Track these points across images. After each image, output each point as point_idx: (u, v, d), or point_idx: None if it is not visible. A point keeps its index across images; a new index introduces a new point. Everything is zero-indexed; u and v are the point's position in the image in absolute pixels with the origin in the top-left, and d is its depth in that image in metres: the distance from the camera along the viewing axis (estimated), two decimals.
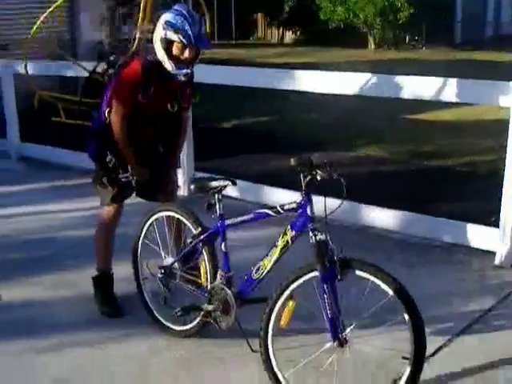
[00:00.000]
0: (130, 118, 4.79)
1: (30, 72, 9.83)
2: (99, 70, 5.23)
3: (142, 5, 9.94)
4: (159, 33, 4.61)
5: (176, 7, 4.66)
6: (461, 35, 30.39)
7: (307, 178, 3.71)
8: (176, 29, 4.52)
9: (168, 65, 4.64)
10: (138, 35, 9.71)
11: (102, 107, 4.96)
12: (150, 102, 4.76)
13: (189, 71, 4.68)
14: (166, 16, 4.59)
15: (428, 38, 29.12)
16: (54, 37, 13.31)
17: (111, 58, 5.08)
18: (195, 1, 14.47)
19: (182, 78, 4.70)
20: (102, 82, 5.06)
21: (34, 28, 10.15)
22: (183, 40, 4.52)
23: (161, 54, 4.65)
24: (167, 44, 4.59)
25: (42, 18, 10.23)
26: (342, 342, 3.71)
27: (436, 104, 7.54)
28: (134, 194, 5.12)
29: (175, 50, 4.60)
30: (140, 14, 10.18)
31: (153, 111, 4.86)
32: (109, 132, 4.84)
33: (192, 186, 4.46)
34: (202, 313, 4.46)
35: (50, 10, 10.22)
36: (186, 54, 4.60)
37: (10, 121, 10.14)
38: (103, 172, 4.97)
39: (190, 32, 4.50)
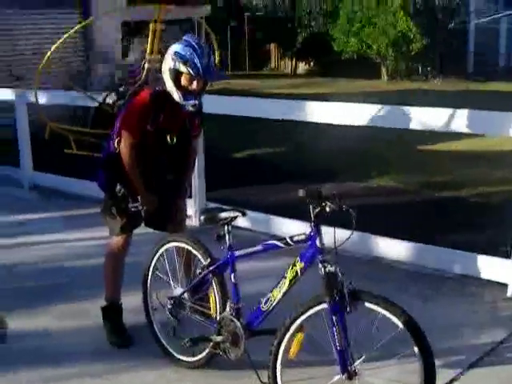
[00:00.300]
0: (139, 148, 4.80)
1: (41, 101, 9.92)
2: (109, 101, 5.25)
3: (150, 36, 10.03)
4: (168, 63, 4.64)
5: (185, 38, 4.69)
6: (473, 66, 30.40)
7: (316, 210, 3.70)
8: (185, 60, 4.55)
9: (176, 95, 4.66)
10: (146, 65, 9.81)
11: (111, 137, 4.98)
12: (158, 131, 4.77)
13: (197, 102, 4.71)
14: (175, 47, 4.62)
15: (441, 69, 29.17)
16: (64, 70, 13.48)
17: (120, 89, 5.11)
18: (204, 31, 14.63)
19: (190, 109, 4.72)
20: (112, 112, 5.09)
21: (45, 58, 10.26)
22: (191, 72, 4.55)
23: (169, 85, 4.67)
24: (176, 75, 4.62)
25: (52, 49, 10.33)
26: (352, 375, 3.68)
27: (448, 134, 7.53)
28: (142, 224, 5.12)
29: (184, 81, 4.62)
30: (148, 45, 10.30)
31: (161, 140, 4.87)
32: (118, 162, 4.85)
33: (202, 217, 4.48)
34: (211, 344, 4.44)
35: (61, 40, 10.33)
36: (194, 85, 4.62)
37: (23, 149, 10.18)
38: (112, 202, 4.97)
39: (198, 64, 4.53)
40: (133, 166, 4.81)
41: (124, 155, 4.80)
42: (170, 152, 4.95)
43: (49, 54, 10.30)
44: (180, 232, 5.18)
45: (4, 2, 14.69)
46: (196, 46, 4.59)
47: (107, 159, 5.01)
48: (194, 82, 4.62)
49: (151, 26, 9.92)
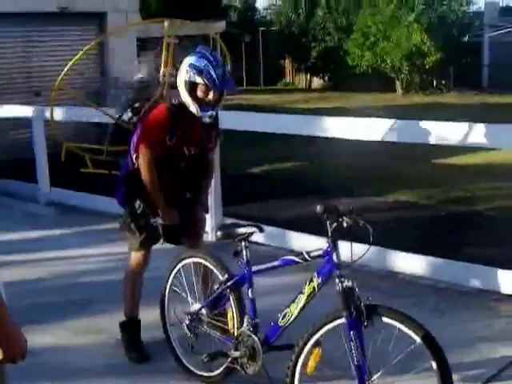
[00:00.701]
0: (157, 162, 4.83)
1: (58, 118, 9.99)
2: (125, 117, 5.28)
3: (163, 50, 10.08)
4: (183, 76, 4.67)
5: (199, 50, 4.72)
6: (488, 79, 30.38)
7: (333, 225, 3.71)
8: (200, 71, 4.59)
9: (193, 107, 4.69)
10: (161, 80, 9.85)
11: (129, 154, 5.01)
12: (176, 144, 4.80)
13: (213, 113, 4.74)
14: (190, 59, 4.66)
15: (455, 82, 29.17)
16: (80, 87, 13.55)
17: (136, 105, 5.13)
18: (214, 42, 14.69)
19: (207, 120, 4.75)
20: (128, 129, 5.11)
21: (61, 75, 10.34)
22: (207, 82, 4.58)
23: (185, 97, 4.70)
24: (191, 87, 4.65)
25: (67, 67, 10.43)
26: None
27: (464, 148, 7.53)
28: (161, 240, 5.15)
29: (199, 93, 4.65)
30: (162, 59, 10.36)
31: (179, 153, 4.89)
32: (137, 178, 4.88)
33: (219, 233, 4.48)
34: (229, 359, 4.44)
35: (76, 58, 10.42)
36: (210, 96, 4.66)
37: (40, 166, 10.24)
38: (132, 218, 4.99)
39: (213, 75, 4.56)
40: (152, 181, 4.84)
41: (143, 170, 4.83)
42: (187, 165, 4.97)
43: (65, 70, 10.41)
44: (197, 246, 5.21)
45: (24, 19, 14.80)
46: (210, 57, 4.63)
47: (126, 176, 5.04)
48: (210, 93, 4.65)
49: (165, 40, 10.00)
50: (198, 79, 4.61)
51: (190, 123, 4.80)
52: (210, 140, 5.04)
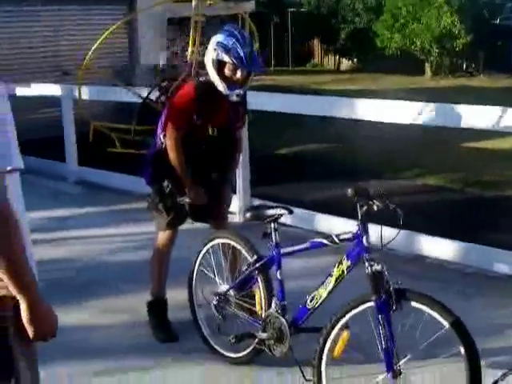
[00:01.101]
0: (184, 141, 4.83)
1: (86, 97, 10.03)
2: (152, 97, 5.28)
3: (192, 29, 10.06)
4: (211, 54, 4.66)
5: (226, 28, 4.70)
6: None
7: (364, 208, 3.70)
8: (227, 50, 4.57)
9: (220, 86, 4.68)
10: (189, 58, 9.84)
11: (157, 133, 5.01)
12: (203, 123, 4.80)
13: (241, 91, 4.73)
14: (218, 37, 4.64)
15: (485, 65, 28.90)
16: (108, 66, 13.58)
17: (163, 84, 5.13)
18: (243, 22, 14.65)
19: (235, 99, 4.75)
20: (156, 108, 5.11)
21: (89, 54, 10.36)
22: (235, 61, 4.57)
23: (213, 75, 4.69)
24: (219, 65, 4.64)
25: (96, 45, 10.44)
26: (396, 374, 3.67)
27: (493, 132, 7.45)
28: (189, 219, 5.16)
29: (227, 71, 4.64)
30: (191, 38, 10.33)
31: (206, 132, 4.88)
32: (165, 158, 4.88)
33: (248, 214, 4.49)
34: (256, 340, 4.45)
35: (104, 36, 10.42)
36: (238, 74, 4.64)
37: (68, 144, 10.30)
38: (159, 198, 5.00)
39: (241, 53, 4.55)
40: (179, 159, 4.84)
41: (170, 149, 4.82)
42: (214, 144, 4.96)
43: (92, 49, 10.42)
44: (222, 227, 5.22)
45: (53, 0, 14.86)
46: (238, 36, 4.61)
47: (154, 155, 5.05)
48: (238, 72, 4.64)
49: (192, 18, 9.97)
50: (226, 57, 4.60)
51: (217, 102, 4.79)
52: (237, 119, 5.03)
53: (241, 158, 5.73)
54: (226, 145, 5.06)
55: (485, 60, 28.88)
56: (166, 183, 4.96)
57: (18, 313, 2.37)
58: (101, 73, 11.53)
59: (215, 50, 4.63)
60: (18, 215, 2.31)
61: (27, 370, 2.47)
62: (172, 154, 4.83)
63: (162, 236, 5.14)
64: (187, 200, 4.92)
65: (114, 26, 10.79)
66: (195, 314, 4.97)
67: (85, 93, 10.10)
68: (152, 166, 5.07)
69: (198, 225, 5.34)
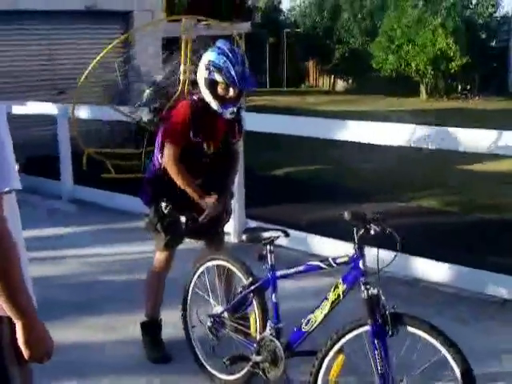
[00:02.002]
0: (182, 159, 4.79)
1: (80, 116, 10.06)
2: (145, 119, 5.27)
3: (182, 47, 10.09)
4: (202, 73, 4.64)
5: (218, 45, 4.66)
6: None
7: (360, 232, 3.68)
8: (219, 69, 4.54)
9: (214, 104, 4.66)
10: (181, 77, 9.88)
11: (154, 154, 4.99)
12: (201, 140, 4.77)
13: (235, 109, 4.70)
14: (209, 55, 4.61)
15: (480, 87, 29.01)
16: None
17: (156, 106, 5.12)
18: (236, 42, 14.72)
19: (229, 116, 4.72)
20: (150, 130, 5.11)
21: (85, 73, 10.39)
22: (227, 81, 4.54)
23: (206, 94, 4.67)
24: (211, 84, 4.62)
25: (92, 64, 10.48)
26: None
27: (489, 155, 7.44)
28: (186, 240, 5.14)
29: (220, 90, 4.62)
30: (182, 56, 10.39)
31: (203, 149, 4.84)
32: (164, 178, 4.86)
33: (244, 236, 4.45)
34: (250, 363, 4.41)
35: (101, 55, 10.47)
36: (231, 93, 4.62)
37: (63, 163, 10.27)
38: (158, 218, 4.97)
39: (233, 72, 4.52)
40: (182, 174, 4.79)
41: (170, 167, 4.79)
42: (212, 161, 4.92)
43: (89, 68, 10.46)
44: (220, 246, 5.20)
45: (50, 17, 14.87)
46: (229, 54, 4.57)
47: (153, 176, 5.03)
48: (231, 90, 4.61)
49: (182, 37, 10.01)
50: (218, 77, 4.57)
51: (212, 119, 4.77)
52: (234, 135, 4.99)
53: (236, 177, 5.70)
54: (224, 161, 5.03)
55: (480, 82, 29.00)
56: (164, 203, 4.92)
57: (14, 333, 2.35)
58: (96, 98, 11.54)
59: (207, 68, 4.61)
60: (15, 237, 2.29)
61: None
62: (173, 171, 4.79)
63: (160, 256, 5.12)
64: (205, 216, 4.84)
65: (110, 46, 10.83)
66: (189, 335, 4.94)
67: (80, 112, 10.12)
68: (150, 186, 5.04)
69: (193, 245, 5.31)
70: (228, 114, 4.71)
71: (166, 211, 4.91)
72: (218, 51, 4.60)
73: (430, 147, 6.49)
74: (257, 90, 13.52)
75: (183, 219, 4.92)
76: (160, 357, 5.09)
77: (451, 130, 6.23)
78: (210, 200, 4.83)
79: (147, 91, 12.79)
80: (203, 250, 5.28)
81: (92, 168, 10.71)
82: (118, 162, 10.55)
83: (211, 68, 4.57)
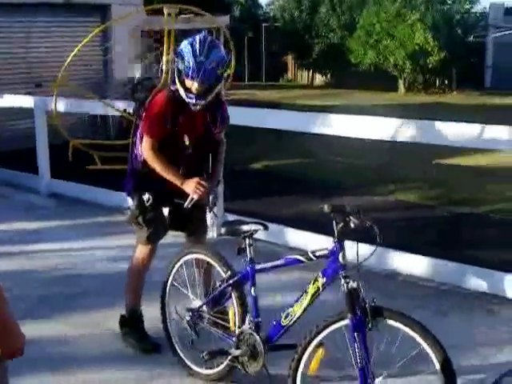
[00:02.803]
0: (163, 149, 4.73)
1: (60, 109, 10.00)
2: (130, 110, 5.20)
3: (165, 37, 10.08)
4: (175, 62, 4.57)
5: (194, 36, 4.54)
6: (491, 80, 30.38)
7: (340, 225, 3.66)
8: (182, 58, 4.45)
9: (183, 93, 4.56)
10: (164, 67, 9.84)
11: (136, 145, 4.94)
12: (180, 130, 4.71)
13: (201, 101, 4.57)
14: (182, 44, 4.52)
15: (458, 82, 29.17)
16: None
17: (140, 96, 5.02)
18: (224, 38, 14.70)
19: (197, 108, 4.62)
20: (134, 121, 5.04)
21: (65, 66, 10.33)
22: (185, 71, 4.45)
23: (177, 83, 4.59)
24: (178, 72, 4.53)
25: (71, 56, 10.42)
26: None
27: (466, 149, 7.47)
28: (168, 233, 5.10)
29: (186, 80, 4.53)
30: (164, 47, 10.37)
31: (183, 140, 4.78)
32: (145, 169, 4.82)
33: (223, 230, 4.42)
34: (230, 357, 4.38)
35: (79, 47, 10.40)
36: (193, 85, 4.51)
37: (41, 157, 10.20)
38: (139, 211, 4.93)
39: (191, 63, 4.39)
40: (160, 162, 4.72)
41: (148, 158, 4.74)
42: (194, 150, 4.84)
43: (67, 62, 10.39)
44: (201, 239, 5.17)
45: (27, 9, 14.77)
46: (197, 45, 4.42)
47: (134, 167, 4.98)
48: (192, 83, 4.49)
49: (165, 28, 9.98)
50: (181, 66, 4.47)
51: (191, 109, 4.66)
52: (215, 126, 4.86)
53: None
54: (207, 150, 4.96)
55: (458, 77, 29.17)
56: (146, 196, 4.87)
57: None
58: (74, 88, 11.45)
59: (176, 57, 4.54)
60: None
61: None
62: (151, 160, 4.74)
63: (141, 249, 5.07)
64: (190, 201, 4.69)
65: (87, 38, 10.76)
66: (168, 328, 4.91)
67: (60, 105, 10.04)
68: (132, 177, 4.99)
69: (173, 238, 5.28)
70: (194, 105, 4.59)
71: (147, 204, 4.87)
72: (189, 40, 4.48)
73: (410, 141, 6.49)
74: (235, 83, 13.51)
75: (166, 211, 4.88)
76: (150, 346, 5.06)
77: (430, 123, 6.23)
78: (191, 183, 4.69)
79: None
80: (184, 243, 5.23)
81: (70, 161, 10.64)
82: (103, 153, 10.48)
83: (179, 57, 4.49)
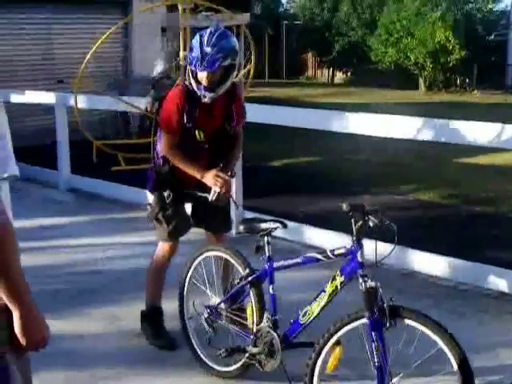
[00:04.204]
0: (183, 146, 4.75)
1: (82, 105, 10.07)
2: (148, 107, 5.19)
3: (181, 33, 10.11)
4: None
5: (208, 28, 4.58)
6: None
7: (358, 224, 3.66)
8: (191, 50, 4.50)
9: (194, 86, 4.60)
10: (181, 63, 9.88)
11: (157, 143, 4.95)
12: (196, 125, 4.73)
13: (210, 94, 4.59)
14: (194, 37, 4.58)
15: (479, 81, 29.03)
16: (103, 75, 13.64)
17: (160, 94, 5.03)
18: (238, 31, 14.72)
19: (207, 100, 4.64)
20: (155, 119, 5.04)
21: (84, 63, 10.39)
22: (193, 62, 4.49)
23: (190, 76, 4.63)
24: (190, 65, 4.57)
25: (91, 51, 10.48)
26: None
27: (485, 148, 7.43)
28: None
29: (197, 74, 4.57)
30: (181, 42, 10.41)
31: (202, 134, 4.80)
32: (166, 165, 4.84)
33: (241, 227, 4.42)
34: (247, 355, 4.39)
35: (100, 41, 10.46)
36: (202, 76, 4.54)
37: (61, 152, 10.25)
38: (160, 207, 4.94)
39: (197, 53, 4.44)
40: (180, 158, 4.74)
41: (168, 154, 4.77)
42: (211, 145, 4.87)
43: (87, 57, 10.45)
44: (222, 238, 5.18)
45: (48, 4, 14.84)
46: (204, 33, 4.47)
47: (155, 164, 4.99)
48: (201, 74, 4.53)
49: (180, 23, 10.02)
50: (190, 58, 4.52)
51: (206, 104, 4.68)
52: (231, 122, 4.87)
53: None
54: (224, 144, 4.95)
55: (478, 75, 29.02)
56: (167, 193, 4.89)
57: (11, 321, 2.35)
58: (93, 86, 11.52)
59: (189, 51, 4.58)
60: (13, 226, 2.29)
61: (20, 378, 2.45)
62: (171, 157, 4.77)
63: (162, 246, 5.08)
64: (213, 194, 4.66)
65: (107, 34, 10.82)
66: (185, 325, 4.91)
67: (80, 101, 10.10)
68: (154, 174, 5.00)
69: (193, 235, 5.29)
70: (203, 98, 4.61)
71: (168, 200, 4.89)
72: (201, 32, 4.52)
73: (429, 139, 6.47)
74: (255, 81, 13.55)
75: (189, 208, 4.87)
76: (167, 343, 5.07)
77: (451, 122, 6.21)
78: (210, 175, 4.65)
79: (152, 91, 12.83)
80: (206, 240, 5.24)
81: (90, 158, 10.69)
82: (127, 154, 10.55)
83: (190, 50, 4.54)
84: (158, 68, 14.66)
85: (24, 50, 14.82)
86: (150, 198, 5.06)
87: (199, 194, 4.84)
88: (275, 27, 35.84)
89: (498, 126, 5.86)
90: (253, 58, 11.87)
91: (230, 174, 4.81)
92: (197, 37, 4.51)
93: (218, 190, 4.65)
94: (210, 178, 4.66)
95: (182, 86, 4.78)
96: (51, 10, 15.07)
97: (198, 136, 4.79)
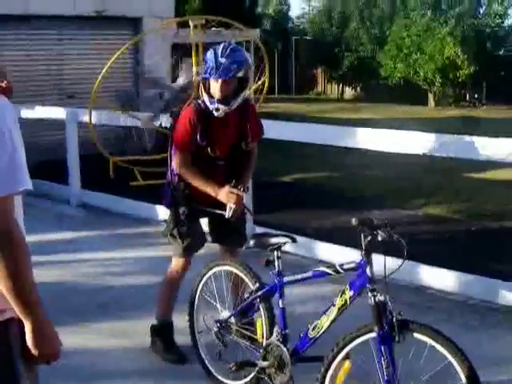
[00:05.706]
0: (195, 162, 4.79)
1: (95, 121, 10.14)
2: (166, 124, 5.23)
3: (193, 48, 10.18)
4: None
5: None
6: None
7: (368, 239, 3.68)
8: (205, 63, 4.57)
9: (207, 101, 4.64)
10: (194, 79, 9.93)
11: (172, 159, 4.97)
12: (210, 143, 4.76)
13: (224, 107, 4.64)
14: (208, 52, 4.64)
15: (488, 96, 29.01)
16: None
17: (174, 110, 5.08)
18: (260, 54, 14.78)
19: (220, 114, 4.67)
20: (170, 135, 5.06)
21: (100, 77, 10.46)
22: (207, 72, 4.54)
23: (202, 92, 4.67)
24: (205, 81, 4.63)
25: (105, 68, 10.55)
26: None
27: (494, 163, 7.44)
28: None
29: (210, 87, 4.62)
30: (193, 59, 10.47)
31: (216, 151, 4.84)
32: (181, 182, 4.87)
33: (251, 242, 4.45)
34: (257, 369, 4.40)
35: (113, 59, 10.53)
36: (215, 88, 4.59)
37: (71, 167, 10.29)
38: (174, 224, 4.97)
39: (212, 63, 4.50)
40: (195, 176, 4.77)
41: (182, 173, 4.81)
42: (225, 162, 4.92)
43: (103, 72, 10.52)
44: (236, 253, 5.19)
45: (59, 21, 14.95)
46: (218, 47, 4.55)
47: (171, 180, 5.01)
48: (214, 85, 4.58)
49: (192, 40, 10.09)
50: (204, 70, 4.59)
51: (220, 122, 4.74)
52: (246, 139, 4.92)
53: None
54: (241, 161, 5.01)
55: (488, 91, 29.00)
56: (182, 209, 4.92)
57: (23, 333, 2.37)
58: (106, 104, 11.62)
59: (204, 65, 4.63)
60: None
61: None
62: (186, 176, 4.80)
63: (176, 262, 5.10)
64: (229, 210, 4.71)
65: (119, 51, 10.89)
66: (195, 339, 4.93)
67: (94, 117, 10.17)
68: (170, 190, 5.03)
69: (204, 250, 5.31)
70: (215, 111, 4.66)
71: (183, 217, 4.91)
72: (214, 47, 4.60)
73: (438, 154, 6.48)
74: (267, 96, 13.59)
75: (205, 222, 4.89)
76: (177, 357, 5.09)
77: (459, 137, 6.23)
78: (223, 192, 4.68)
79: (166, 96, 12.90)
80: (220, 255, 5.26)
81: (100, 173, 10.73)
82: (144, 168, 10.63)
83: (204, 64, 4.59)
84: (180, 80, 14.74)
85: (35, 65, 14.90)
86: (164, 213, 5.07)
87: (214, 210, 4.87)
88: (284, 43, 35.94)
89: (507, 141, 5.87)
90: (266, 69, 11.94)
91: (243, 189, 4.80)
92: (211, 50, 4.60)
93: (232, 206, 4.68)
94: (223, 195, 4.69)
95: (193, 105, 4.79)
96: (62, 26, 15.16)
97: (212, 153, 4.83)
